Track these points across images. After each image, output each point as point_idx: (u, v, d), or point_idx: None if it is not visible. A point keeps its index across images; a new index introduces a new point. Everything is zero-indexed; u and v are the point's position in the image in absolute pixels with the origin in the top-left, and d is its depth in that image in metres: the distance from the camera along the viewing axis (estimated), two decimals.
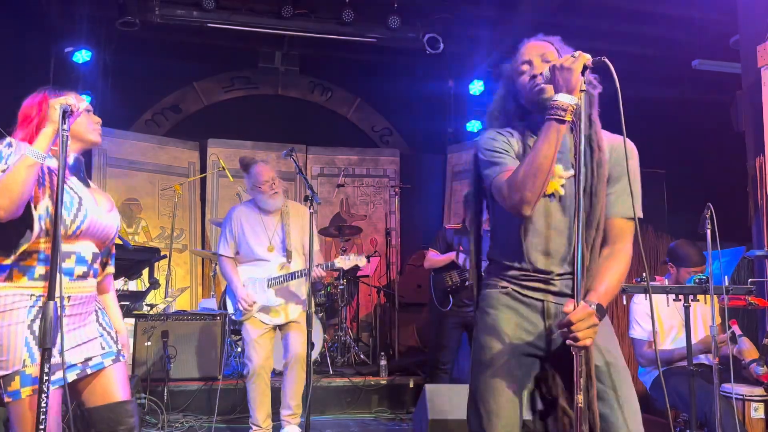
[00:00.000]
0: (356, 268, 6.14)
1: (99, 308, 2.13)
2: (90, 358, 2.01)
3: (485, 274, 1.98)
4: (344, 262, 3.70)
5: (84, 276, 1.99)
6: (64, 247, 1.91)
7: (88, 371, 2.00)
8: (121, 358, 2.10)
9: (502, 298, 1.87)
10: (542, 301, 1.83)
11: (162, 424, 4.03)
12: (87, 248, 1.99)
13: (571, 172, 1.81)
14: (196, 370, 4.60)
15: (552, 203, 1.82)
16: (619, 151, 1.78)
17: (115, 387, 2.05)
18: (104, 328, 2.10)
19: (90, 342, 2.02)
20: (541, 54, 1.88)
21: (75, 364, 1.95)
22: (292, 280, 3.73)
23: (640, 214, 1.78)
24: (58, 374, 1.82)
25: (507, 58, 2.00)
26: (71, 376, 1.93)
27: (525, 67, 1.89)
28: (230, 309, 3.83)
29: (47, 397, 1.68)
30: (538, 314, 1.83)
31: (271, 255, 3.80)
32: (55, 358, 1.75)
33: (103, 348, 2.05)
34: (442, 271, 4.44)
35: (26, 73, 5.52)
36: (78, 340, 1.98)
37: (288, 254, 3.79)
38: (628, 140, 1.72)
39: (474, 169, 1.96)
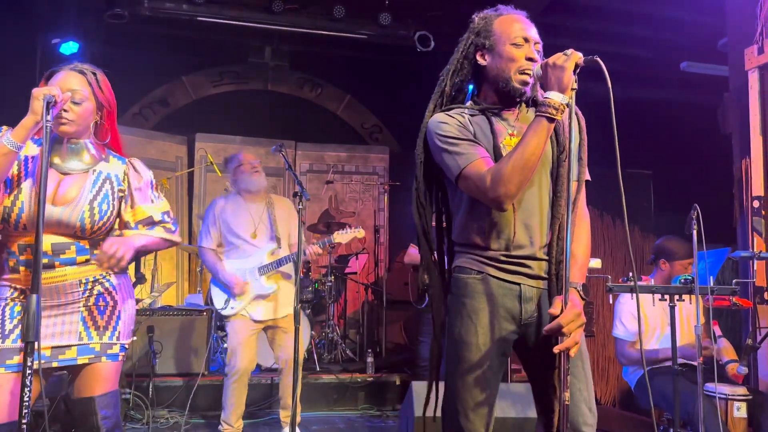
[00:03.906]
0: (345, 264, 6.17)
1: (104, 290, 2.02)
2: (61, 348, 1.95)
3: (456, 257, 1.90)
4: (342, 236, 3.64)
5: (49, 266, 1.92)
6: (23, 240, 1.93)
7: (54, 363, 1.95)
8: (104, 358, 2.00)
9: (478, 285, 1.80)
10: (518, 284, 1.80)
11: (147, 420, 4.01)
12: (45, 239, 1.92)
13: None
14: (182, 366, 4.57)
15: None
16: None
17: (87, 382, 2.00)
18: (93, 317, 1.99)
19: (63, 331, 1.96)
20: (536, 42, 1.83)
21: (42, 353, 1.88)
22: (282, 265, 3.68)
23: (587, 176, 1.83)
24: (16, 359, 1.86)
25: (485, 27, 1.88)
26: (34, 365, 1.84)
27: (521, 41, 1.81)
28: (218, 304, 3.73)
29: (29, 390, 1.65)
30: (514, 298, 1.79)
31: (256, 242, 3.72)
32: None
33: (81, 339, 1.97)
34: (418, 268, 4.50)
35: (12, 64, 5.42)
36: (47, 330, 1.92)
37: (278, 240, 3.74)
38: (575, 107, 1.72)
39: (425, 156, 1.90)
